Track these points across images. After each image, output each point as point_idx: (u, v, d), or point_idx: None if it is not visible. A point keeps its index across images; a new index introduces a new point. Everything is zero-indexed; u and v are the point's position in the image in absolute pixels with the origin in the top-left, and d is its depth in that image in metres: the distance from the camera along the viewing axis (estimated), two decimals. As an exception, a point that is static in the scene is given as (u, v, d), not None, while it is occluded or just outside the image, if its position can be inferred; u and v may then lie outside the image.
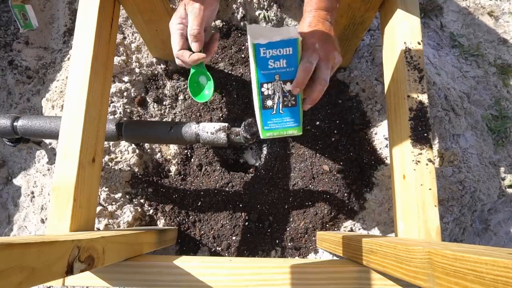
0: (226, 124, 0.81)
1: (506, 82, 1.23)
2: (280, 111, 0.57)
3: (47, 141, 1.04)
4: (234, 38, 1.10)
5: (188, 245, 0.95)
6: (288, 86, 0.55)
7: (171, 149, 1.03)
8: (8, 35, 1.21)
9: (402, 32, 0.73)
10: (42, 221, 1.02)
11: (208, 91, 0.67)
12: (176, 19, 0.62)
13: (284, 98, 0.56)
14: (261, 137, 0.59)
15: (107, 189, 0.92)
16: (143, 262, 0.61)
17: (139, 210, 0.94)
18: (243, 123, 0.78)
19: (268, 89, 0.55)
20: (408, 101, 0.68)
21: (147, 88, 1.06)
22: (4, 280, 0.30)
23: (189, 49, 0.63)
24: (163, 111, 1.05)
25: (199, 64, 0.65)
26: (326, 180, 0.98)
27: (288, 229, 0.96)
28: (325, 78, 0.55)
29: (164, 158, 1.02)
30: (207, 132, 0.81)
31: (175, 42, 0.62)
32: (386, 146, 1.02)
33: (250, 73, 1.06)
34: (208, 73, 0.66)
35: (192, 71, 0.66)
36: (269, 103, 0.56)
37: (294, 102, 0.56)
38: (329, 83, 0.56)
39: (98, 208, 0.89)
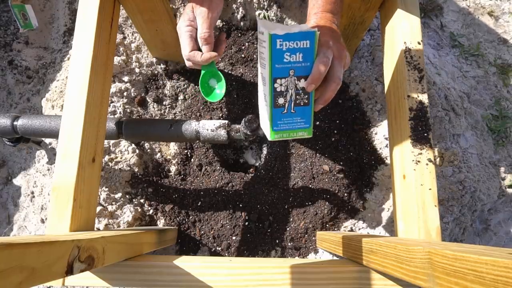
0: (226, 121, 0.81)
1: (506, 82, 1.23)
2: (292, 110, 0.53)
3: (47, 141, 1.04)
4: (234, 38, 1.10)
5: (188, 245, 0.95)
6: (302, 83, 0.51)
7: (171, 149, 1.03)
8: (8, 35, 1.21)
9: (402, 32, 0.73)
10: (42, 221, 1.02)
11: (220, 91, 0.68)
12: (185, 21, 0.63)
13: (297, 96, 0.52)
14: (269, 139, 0.55)
15: (107, 189, 0.92)
16: (143, 262, 0.61)
17: (139, 210, 0.94)
18: (243, 119, 0.78)
19: (281, 85, 0.51)
20: (408, 101, 0.68)
21: (147, 88, 1.06)
22: (4, 280, 0.30)
23: (199, 50, 0.63)
24: (163, 111, 1.05)
25: (210, 64, 0.65)
26: (326, 180, 0.98)
27: (288, 229, 0.96)
28: (339, 76, 0.53)
29: (164, 158, 1.02)
30: (207, 130, 0.80)
31: (185, 44, 0.62)
32: (386, 146, 1.02)
33: (250, 73, 1.06)
34: (219, 72, 0.66)
35: (202, 72, 0.66)
36: (280, 101, 0.52)
37: (306, 101, 0.53)
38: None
39: (98, 208, 0.89)
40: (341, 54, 0.53)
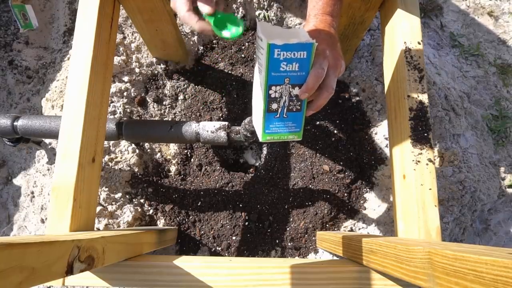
0: (226, 123, 0.81)
1: (506, 82, 1.23)
2: (284, 115, 0.56)
3: (47, 141, 1.04)
4: (234, 38, 1.10)
5: (188, 245, 0.95)
6: (296, 91, 0.54)
7: (171, 149, 1.03)
8: (8, 35, 1.21)
9: (402, 32, 0.73)
10: (42, 221, 1.02)
11: (236, 28, 0.60)
12: None
13: (290, 102, 0.55)
14: (260, 140, 0.58)
15: (107, 189, 0.92)
16: (143, 262, 0.61)
17: (139, 210, 0.94)
18: (243, 121, 0.78)
19: (275, 91, 0.53)
20: (408, 101, 0.68)
21: (147, 88, 1.06)
22: (4, 280, 0.30)
23: (195, 10, 0.58)
24: (163, 111, 1.05)
25: (213, 14, 0.58)
26: (326, 180, 0.98)
27: (288, 229, 0.96)
28: (332, 86, 0.55)
29: (164, 158, 1.02)
30: (207, 131, 0.81)
31: (181, 2, 0.57)
32: (386, 146, 1.02)
33: (250, 73, 1.06)
34: (229, 15, 0.59)
35: (212, 24, 0.59)
36: (274, 106, 0.55)
37: (299, 107, 0.56)
38: None
39: (98, 208, 0.89)
40: (336, 63, 0.54)
